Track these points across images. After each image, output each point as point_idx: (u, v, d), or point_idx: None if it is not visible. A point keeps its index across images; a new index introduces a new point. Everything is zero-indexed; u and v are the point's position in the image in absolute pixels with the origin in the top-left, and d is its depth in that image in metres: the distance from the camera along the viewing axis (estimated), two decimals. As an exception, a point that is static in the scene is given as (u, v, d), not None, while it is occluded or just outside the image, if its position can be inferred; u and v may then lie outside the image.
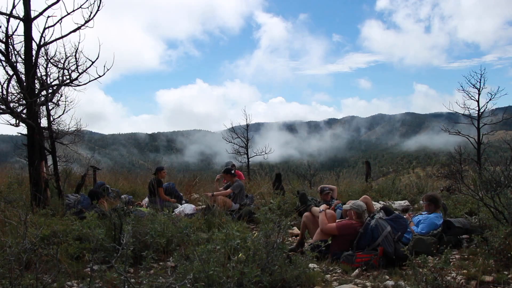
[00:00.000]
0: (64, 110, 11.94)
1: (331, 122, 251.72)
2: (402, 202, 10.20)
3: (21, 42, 8.24)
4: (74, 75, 8.79)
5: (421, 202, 7.29)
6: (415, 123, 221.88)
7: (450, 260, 5.19)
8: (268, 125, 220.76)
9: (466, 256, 5.94)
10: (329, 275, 5.40)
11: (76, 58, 8.51)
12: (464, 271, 5.14)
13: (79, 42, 8.47)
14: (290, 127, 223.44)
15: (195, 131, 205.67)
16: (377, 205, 8.75)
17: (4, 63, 8.08)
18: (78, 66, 8.62)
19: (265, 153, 21.99)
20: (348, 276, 5.43)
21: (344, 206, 6.82)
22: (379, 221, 6.03)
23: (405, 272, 5.43)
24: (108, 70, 8.43)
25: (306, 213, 7.01)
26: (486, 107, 15.07)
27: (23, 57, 8.27)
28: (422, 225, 6.83)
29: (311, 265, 5.32)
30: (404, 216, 7.09)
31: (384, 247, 5.80)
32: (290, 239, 7.27)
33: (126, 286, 3.88)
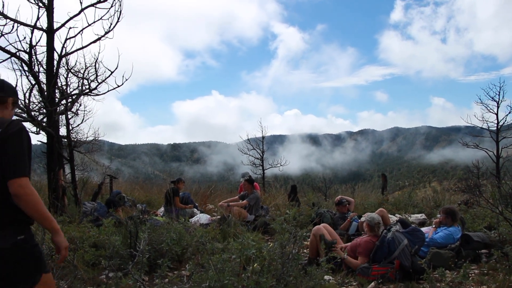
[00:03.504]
0: (83, 119, 12.17)
1: (346, 135, 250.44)
2: (418, 215, 10.05)
3: (43, 52, 8.43)
4: (93, 85, 8.97)
5: (438, 215, 7.18)
6: (433, 136, 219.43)
7: (469, 275, 5.11)
8: (285, 137, 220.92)
9: (485, 271, 5.80)
10: (344, 287, 5.35)
11: (95, 68, 8.68)
12: (484, 286, 5.03)
13: (99, 53, 8.63)
14: (306, 140, 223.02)
15: (216, 142, 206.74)
16: (393, 218, 8.65)
17: (27, 73, 8.27)
18: (98, 76, 8.77)
19: (280, 165, 22.02)
20: (364, 288, 5.37)
21: (360, 221, 6.74)
22: (396, 234, 5.94)
23: (422, 286, 5.34)
24: (126, 80, 8.56)
25: (317, 226, 6.88)
26: (505, 120, 14.86)
27: (44, 67, 8.44)
28: (440, 233, 6.70)
29: (326, 277, 5.28)
30: (431, 227, 7.00)
31: (400, 260, 5.70)
32: (305, 250, 7.21)
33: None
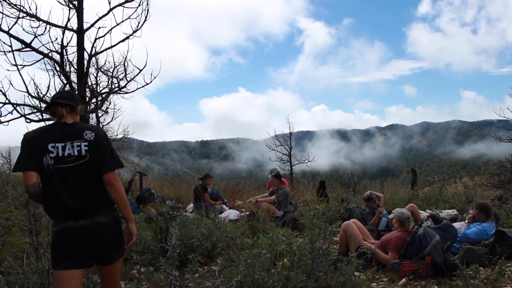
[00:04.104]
0: (113, 117, 12.39)
1: (375, 131, 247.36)
2: (450, 211, 9.84)
3: (74, 52, 8.60)
4: (122, 83, 9.09)
5: (471, 210, 7.01)
6: (464, 131, 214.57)
7: (505, 272, 4.98)
8: (314, 133, 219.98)
9: (521, 268, 5.67)
10: (375, 283, 5.30)
11: (124, 67, 8.80)
12: (520, 283, 4.91)
13: (127, 51, 8.74)
14: (335, 135, 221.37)
15: (244, 139, 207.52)
16: (424, 214, 8.51)
17: (59, 73, 8.46)
18: (127, 74, 8.90)
19: (308, 161, 21.97)
20: (395, 285, 5.31)
21: (390, 216, 6.66)
22: (427, 230, 5.84)
23: (455, 283, 5.24)
24: (155, 78, 8.65)
25: (347, 222, 6.83)
26: (541, 113, 14.35)
27: (75, 66, 8.61)
28: (473, 229, 6.54)
29: (356, 273, 5.24)
30: (464, 223, 6.87)
31: (432, 257, 5.60)
32: (334, 246, 7.17)
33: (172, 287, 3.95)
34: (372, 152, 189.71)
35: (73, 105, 3.13)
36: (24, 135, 3.05)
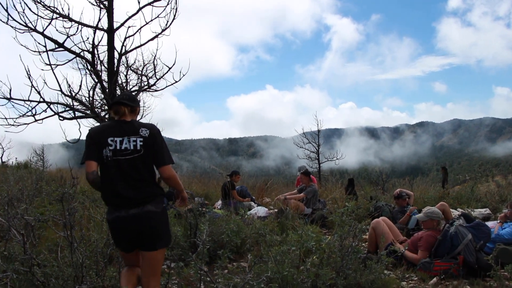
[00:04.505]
0: (142, 115, 12.52)
1: (405, 128, 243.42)
2: (482, 210, 9.58)
3: (104, 51, 8.76)
4: (151, 81, 9.22)
5: (505, 209, 6.83)
6: (497, 128, 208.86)
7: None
8: (343, 131, 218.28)
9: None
10: (405, 282, 5.23)
11: (154, 65, 8.91)
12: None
13: (156, 50, 8.86)
14: (364, 133, 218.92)
15: (273, 137, 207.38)
16: (454, 213, 8.34)
17: (90, 72, 8.63)
18: (156, 72, 9.02)
19: (336, 159, 21.83)
20: (426, 284, 5.22)
21: (418, 216, 6.52)
22: (459, 228, 5.71)
23: (488, 283, 5.13)
24: (184, 75, 8.74)
25: (376, 219, 6.76)
26: None
27: (106, 65, 8.77)
28: (507, 229, 6.37)
29: (386, 271, 5.18)
30: (497, 222, 6.70)
31: (464, 256, 5.47)
32: (363, 244, 7.10)
33: (202, 283, 3.99)
34: (401, 150, 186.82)
35: (134, 106, 3.56)
36: (89, 130, 3.54)
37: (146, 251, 3.40)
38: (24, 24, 7.60)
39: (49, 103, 8.01)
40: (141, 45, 8.83)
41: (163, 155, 3.44)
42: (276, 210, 9.29)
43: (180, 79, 8.82)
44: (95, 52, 8.38)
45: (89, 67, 8.60)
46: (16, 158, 19.18)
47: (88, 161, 3.35)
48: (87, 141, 3.44)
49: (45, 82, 7.80)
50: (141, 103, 12.21)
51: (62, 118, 8.21)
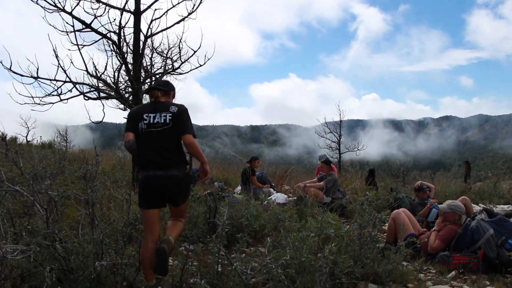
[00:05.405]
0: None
1: (429, 122, 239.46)
2: (505, 206, 9.40)
3: (130, 33, 8.82)
4: (176, 64, 9.25)
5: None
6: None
7: None
8: (367, 122, 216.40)
9: None
10: (422, 274, 5.17)
11: (179, 48, 8.93)
12: None
13: (182, 32, 8.89)
14: (388, 125, 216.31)
15: (296, 126, 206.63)
16: (476, 208, 8.20)
17: (116, 53, 8.70)
18: (181, 55, 9.04)
19: (357, 149, 21.67)
20: (444, 277, 5.15)
21: (441, 206, 6.43)
22: (481, 223, 5.60)
23: (509, 280, 5.04)
24: (208, 59, 8.76)
25: (396, 210, 6.70)
26: None
27: (131, 47, 8.83)
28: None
29: (404, 263, 5.14)
30: None
31: (485, 251, 5.37)
32: (382, 234, 7.05)
33: (219, 266, 4.02)
34: (425, 144, 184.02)
35: (166, 90, 4.26)
36: (130, 110, 4.33)
37: (172, 205, 4.13)
38: (53, 4, 7.69)
39: (75, 83, 8.11)
40: (167, 28, 8.86)
41: (187, 126, 4.03)
42: (295, 197, 9.27)
43: (204, 63, 8.85)
44: (121, 33, 8.45)
45: (115, 49, 8.66)
46: (40, 136, 19.47)
47: (127, 133, 4.07)
48: (128, 117, 4.18)
49: (72, 62, 7.90)
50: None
51: (87, 98, 8.32)
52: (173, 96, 4.40)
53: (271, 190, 10.55)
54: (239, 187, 10.83)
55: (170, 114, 4.03)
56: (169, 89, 4.30)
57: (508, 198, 10.50)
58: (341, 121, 21.89)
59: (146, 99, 11.70)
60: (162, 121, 4.02)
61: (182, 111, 4.08)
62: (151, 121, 4.02)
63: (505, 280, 5.02)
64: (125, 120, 4.27)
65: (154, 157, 3.96)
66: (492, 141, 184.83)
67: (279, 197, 9.38)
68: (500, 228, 5.71)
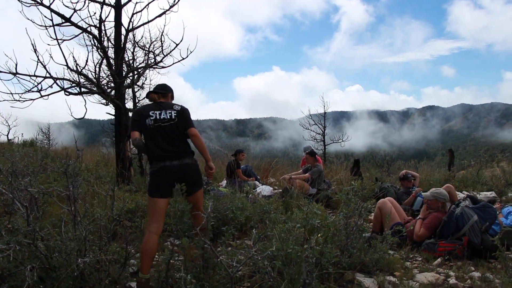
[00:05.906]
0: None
1: (413, 112, 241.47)
2: (488, 193, 9.51)
3: (111, 28, 8.68)
4: (158, 58, 9.15)
5: (510, 194, 6.77)
6: (503, 114, 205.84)
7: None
8: (352, 113, 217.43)
9: None
10: (409, 262, 5.21)
11: (161, 41, 8.82)
12: None
13: (164, 26, 8.78)
14: (373, 116, 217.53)
15: (281, 119, 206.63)
16: (460, 195, 8.29)
17: (96, 47, 8.56)
18: (163, 49, 8.94)
19: (342, 141, 21.77)
20: (430, 264, 5.20)
21: (424, 194, 6.49)
22: (465, 210, 5.66)
23: (493, 264, 5.11)
24: (191, 52, 8.66)
25: (382, 199, 6.75)
26: None
27: (113, 41, 8.70)
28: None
29: (390, 251, 5.16)
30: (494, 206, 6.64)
31: (469, 237, 5.44)
32: (368, 224, 7.09)
33: (204, 259, 3.98)
34: (410, 134, 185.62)
35: (164, 92, 4.63)
36: (135, 110, 4.76)
37: (187, 195, 4.30)
38: (31, -3, 7.52)
39: (55, 79, 7.95)
40: (148, 22, 8.75)
41: (190, 121, 4.44)
42: (280, 190, 9.27)
43: (187, 56, 8.75)
44: (102, 27, 8.31)
45: (95, 43, 8.52)
46: (22, 134, 19.15)
47: (132, 132, 4.36)
48: (132, 118, 4.50)
49: (52, 57, 7.72)
50: (146, 81, 12.20)
51: (68, 94, 8.17)
52: (172, 98, 4.74)
53: (257, 182, 10.54)
54: (224, 181, 10.79)
55: (175, 112, 4.41)
56: (167, 91, 4.66)
57: (491, 185, 10.65)
58: (325, 112, 21.95)
59: (128, 93, 11.61)
60: (168, 117, 4.37)
61: (185, 110, 4.49)
62: (158, 117, 4.35)
63: (489, 265, 5.11)
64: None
65: (169, 148, 4.29)
66: (475, 130, 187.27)
67: (264, 189, 9.37)
68: (484, 214, 5.79)
